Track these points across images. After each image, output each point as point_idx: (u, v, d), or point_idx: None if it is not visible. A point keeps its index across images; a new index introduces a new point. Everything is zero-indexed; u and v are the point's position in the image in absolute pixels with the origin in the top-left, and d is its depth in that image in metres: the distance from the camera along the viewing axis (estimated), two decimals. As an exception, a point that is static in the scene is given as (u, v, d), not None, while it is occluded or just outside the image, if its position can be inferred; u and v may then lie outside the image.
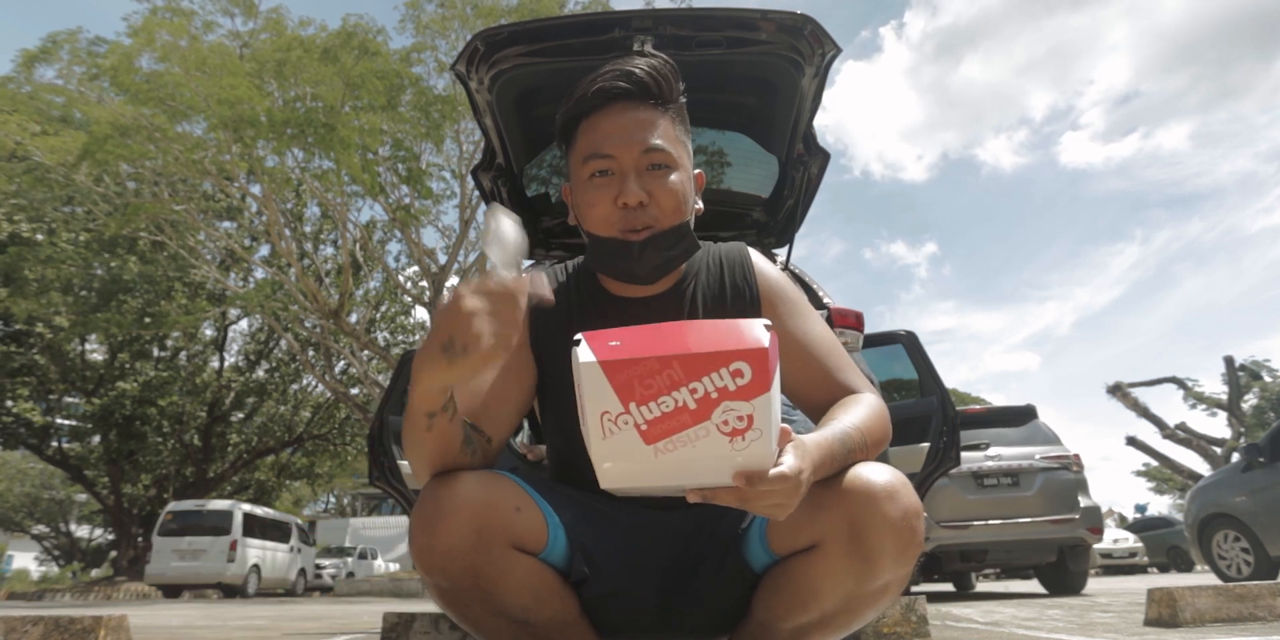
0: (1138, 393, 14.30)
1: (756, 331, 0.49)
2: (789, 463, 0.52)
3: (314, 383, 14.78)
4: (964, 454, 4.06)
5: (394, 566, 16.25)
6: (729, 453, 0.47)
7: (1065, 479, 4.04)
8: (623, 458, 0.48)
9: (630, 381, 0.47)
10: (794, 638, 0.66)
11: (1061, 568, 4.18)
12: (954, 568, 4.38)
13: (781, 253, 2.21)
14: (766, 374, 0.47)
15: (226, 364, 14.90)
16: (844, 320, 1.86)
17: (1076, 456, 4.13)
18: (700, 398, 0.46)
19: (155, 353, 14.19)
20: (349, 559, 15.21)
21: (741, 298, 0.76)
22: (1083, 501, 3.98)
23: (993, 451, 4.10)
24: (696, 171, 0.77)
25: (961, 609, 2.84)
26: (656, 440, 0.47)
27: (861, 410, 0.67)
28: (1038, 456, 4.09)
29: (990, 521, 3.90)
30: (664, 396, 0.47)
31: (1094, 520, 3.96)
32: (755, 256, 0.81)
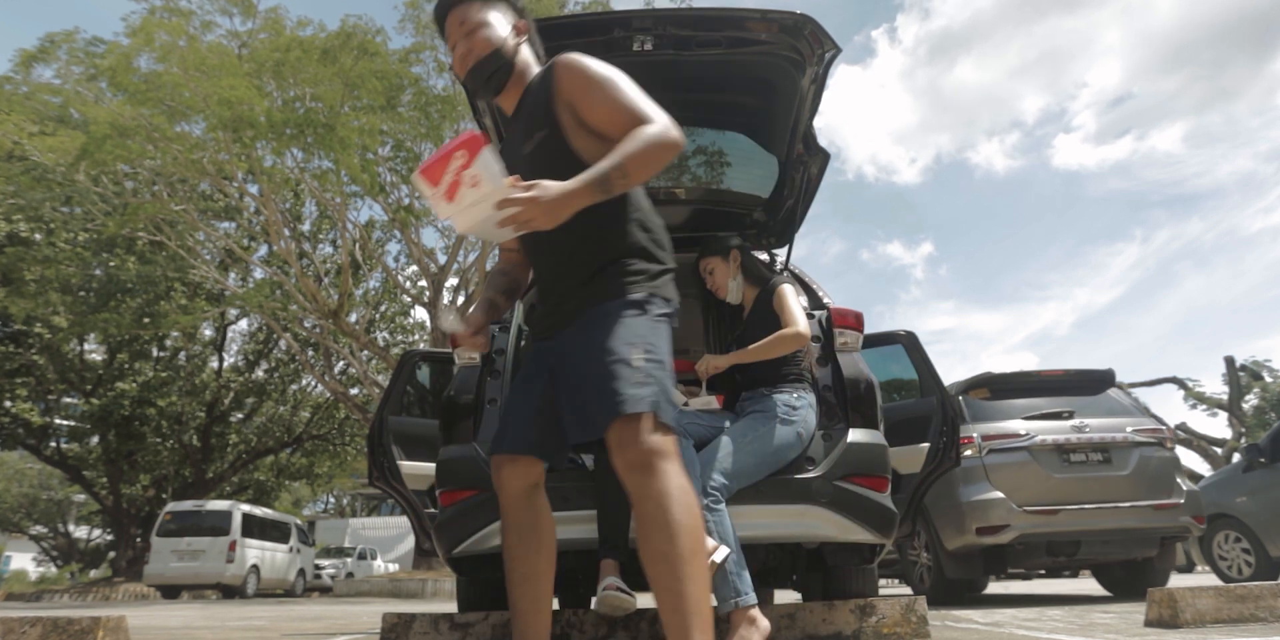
0: (1138, 393, 14.31)
1: (469, 135, 0.95)
2: (522, 193, 0.92)
3: (313, 383, 14.76)
4: (1048, 424, 3.31)
5: (393, 567, 16.22)
6: (481, 194, 0.93)
7: (1163, 457, 3.33)
8: (450, 212, 0.96)
9: (430, 176, 0.97)
10: (650, 561, 0.93)
11: (1145, 564, 3.49)
12: (1037, 563, 3.48)
13: (781, 252, 2.20)
14: (476, 152, 0.93)
15: (225, 364, 14.88)
16: (844, 320, 1.85)
17: (1171, 430, 3.47)
18: (454, 175, 0.94)
19: (154, 353, 14.16)
20: (348, 559, 15.18)
21: (544, 92, 1.08)
22: (1183, 484, 3.30)
23: (1077, 421, 3.34)
24: (518, 22, 1.16)
25: (961, 609, 2.84)
26: (451, 200, 0.95)
27: (629, 143, 0.96)
28: (1129, 429, 3.33)
29: (1083, 506, 3.12)
30: (442, 178, 0.95)
31: (1197, 507, 3.26)
32: (563, 62, 1.06)
